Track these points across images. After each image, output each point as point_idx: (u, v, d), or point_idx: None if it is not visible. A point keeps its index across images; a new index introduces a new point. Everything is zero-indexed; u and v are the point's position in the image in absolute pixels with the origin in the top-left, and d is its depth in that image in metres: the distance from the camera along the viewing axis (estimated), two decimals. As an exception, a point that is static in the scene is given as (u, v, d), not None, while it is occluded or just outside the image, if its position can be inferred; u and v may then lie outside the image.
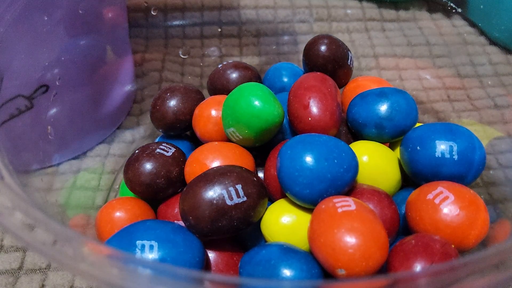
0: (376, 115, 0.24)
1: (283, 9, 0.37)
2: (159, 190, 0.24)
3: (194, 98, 0.28)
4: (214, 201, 0.19)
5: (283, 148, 0.21)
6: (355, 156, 0.21)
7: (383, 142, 0.26)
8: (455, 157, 0.22)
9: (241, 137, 0.24)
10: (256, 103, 0.22)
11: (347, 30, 0.37)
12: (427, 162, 0.22)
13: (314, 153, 0.20)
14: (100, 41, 0.30)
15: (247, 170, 0.21)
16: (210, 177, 0.20)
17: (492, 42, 0.34)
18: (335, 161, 0.20)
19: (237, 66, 0.29)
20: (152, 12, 0.36)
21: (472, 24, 0.35)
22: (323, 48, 0.27)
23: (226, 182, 0.20)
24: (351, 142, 0.26)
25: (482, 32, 0.34)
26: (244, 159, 0.24)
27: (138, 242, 0.19)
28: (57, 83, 0.26)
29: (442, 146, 0.22)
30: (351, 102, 0.26)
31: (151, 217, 0.24)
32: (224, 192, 0.19)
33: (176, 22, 0.37)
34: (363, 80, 0.29)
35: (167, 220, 0.22)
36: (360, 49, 0.37)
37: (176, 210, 0.23)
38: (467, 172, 0.22)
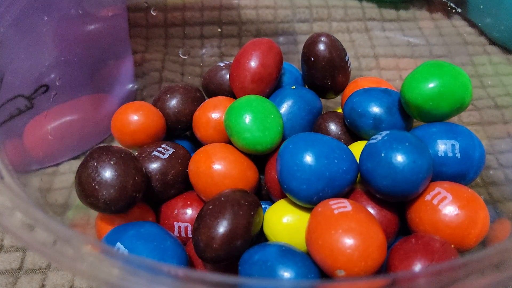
0: (376, 106, 0.24)
1: (283, 9, 0.37)
2: (154, 194, 0.23)
3: (194, 97, 0.28)
4: (232, 242, 0.19)
5: (285, 143, 0.21)
6: (356, 160, 0.21)
7: None
8: (458, 155, 0.22)
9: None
10: (247, 135, 0.23)
11: (347, 30, 0.37)
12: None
13: (315, 150, 0.20)
14: (100, 41, 0.30)
15: (245, 194, 0.21)
16: (237, 230, 0.19)
17: (492, 42, 0.34)
18: (335, 161, 0.20)
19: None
20: (152, 12, 0.36)
21: (472, 24, 0.35)
22: (323, 46, 0.27)
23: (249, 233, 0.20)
24: (349, 143, 0.26)
25: (482, 32, 0.34)
26: (247, 161, 0.24)
27: (118, 245, 0.19)
28: (57, 83, 0.26)
29: (444, 145, 0.22)
30: (352, 93, 0.26)
31: (150, 218, 0.24)
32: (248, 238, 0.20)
33: (176, 22, 0.37)
34: (363, 81, 0.29)
35: (165, 231, 0.21)
36: (360, 49, 0.37)
37: (176, 211, 0.23)
38: (468, 170, 0.22)
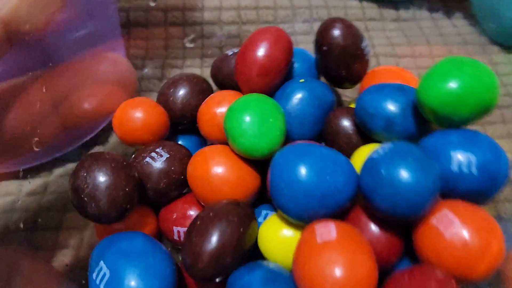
0: (389, 107, 0.22)
1: (284, 10, 0.37)
2: (150, 201, 0.23)
3: (200, 89, 0.27)
4: (216, 257, 0.18)
5: (276, 155, 0.20)
6: (355, 175, 0.20)
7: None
8: (474, 171, 0.19)
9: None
10: (242, 140, 0.21)
11: (347, 30, 0.37)
12: (442, 177, 0.19)
13: (306, 165, 0.19)
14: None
15: (237, 207, 0.20)
16: (209, 230, 0.19)
17: (493, 41, 0.33)
18: (327, 177, 0.19)
19: None
20: (151, 4, 0.36)
21: (473, 24, 0.35)
22: (337, 33, 0.25)
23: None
24: (359, 144, 0.24)
25: (482, 32, 0.34)
26: (247, 166, 0.23)
27: (101, 264, 0.18)
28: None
29: (459, 159, 0.19)
30: (364, 91, 0.23)
31: (150, 221, 0.23)
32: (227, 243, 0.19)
33: (176, 22, 0.37)
34: (381, 70, 0.26)
35: (153, 245, 0.20)
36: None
37: (175, 215, 0.23)
38: (486, 189, 0.19)
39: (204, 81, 0.27)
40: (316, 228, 0.18)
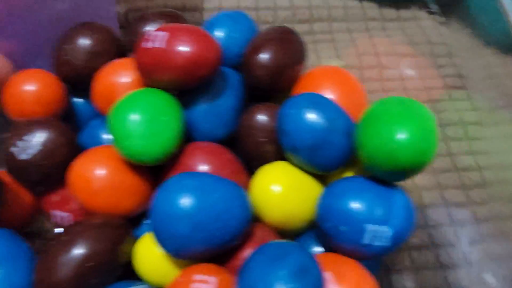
0: (313, 131, 0.18)
1: (284, 10, 0.37)
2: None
3: (107, 47, 0.22)
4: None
5: (161, 186, 0.17)
6: (247, 212, 0.17)
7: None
8: (387, 243, 0.17)
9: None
10: (127, 142, 0.18)
11: (347, 30, 0.37)
12: (350, 246, 0.17)
13: (191, 198, 0.16)
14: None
15: (104, 226, 0.17)
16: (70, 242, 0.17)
17: (489, 43, 0.33)
18: (215, 213, 0.16)
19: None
20: None
21: (471, 25, 0.35)
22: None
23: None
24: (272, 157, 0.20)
25: (480, 33, 0.34)
26: (137, 169, 0.19)
27: None
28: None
29: (372, 233, 0.17)
30: (288, 100, 0.19)
31: (25, 200, 0.21)
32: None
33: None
34: (319, 74, 0.22)
35: (21, 251, 0.18)
36: (361, 49, 0.37)
37: (54, 198, 0.21)
38: (394, 248, 0.17)
39: (115, 38, 0.23)
40: (194, 279, 0.16)
